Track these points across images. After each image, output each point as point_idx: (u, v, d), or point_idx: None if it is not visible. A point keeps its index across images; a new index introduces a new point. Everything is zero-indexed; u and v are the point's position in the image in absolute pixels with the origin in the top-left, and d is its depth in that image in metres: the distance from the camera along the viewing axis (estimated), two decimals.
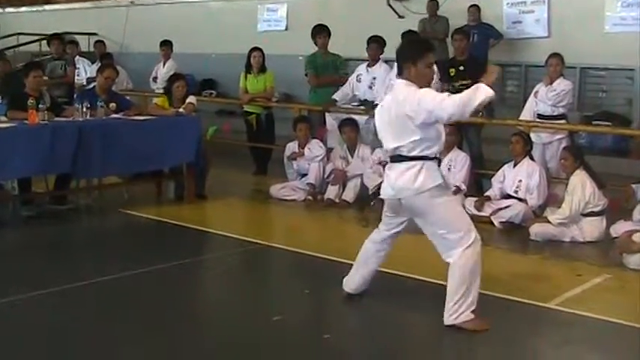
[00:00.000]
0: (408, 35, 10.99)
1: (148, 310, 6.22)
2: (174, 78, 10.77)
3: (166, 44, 14.71)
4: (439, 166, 5.91)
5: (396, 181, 5.80)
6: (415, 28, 12.59)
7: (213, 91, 16.70)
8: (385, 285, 6.65)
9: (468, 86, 10.38)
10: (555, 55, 10.28)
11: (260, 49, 12.25)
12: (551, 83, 10.09)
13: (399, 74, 5.97)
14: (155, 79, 14.64)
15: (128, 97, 11.23)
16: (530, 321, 6.09)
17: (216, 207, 10.09)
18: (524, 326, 5.89)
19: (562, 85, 10.08)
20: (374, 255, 6.37)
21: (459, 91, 9.88)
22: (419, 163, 5.70)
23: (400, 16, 14.61)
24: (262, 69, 12.25)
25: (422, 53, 5.76)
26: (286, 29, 16.85)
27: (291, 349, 5.51)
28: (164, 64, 14.63)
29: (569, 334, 5.86)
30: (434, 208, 5.75)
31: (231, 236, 8.60)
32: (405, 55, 5.83)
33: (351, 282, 6.45)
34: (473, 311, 5.68)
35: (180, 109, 10.23)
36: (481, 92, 5.45)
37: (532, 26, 13.63)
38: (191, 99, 10.44)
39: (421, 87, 5.71)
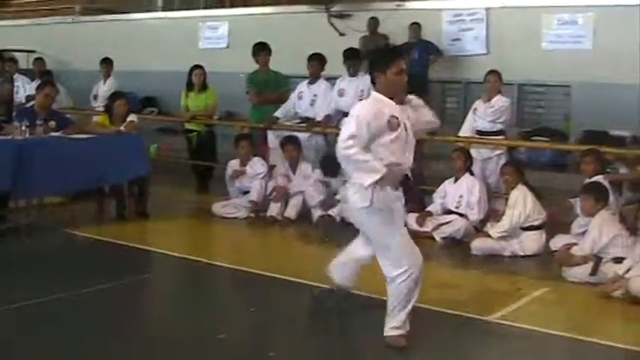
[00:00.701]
0: (348, 52, 11.09)
1: (89, 330, 6.13)
2: (114, 96, 10.70)
3: (107, 62, 14.60)
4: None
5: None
6: (356, 46, 12.65)
7: (154, 109, 16.61)
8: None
9: None
10: (493, 72, 10.45)
11: (201, 67, 12.25)
12: (489, 100, 10.24)
13: (373, 86, 5.86)
14: (96, 97, 14.49)
15: (68, 115, 11.13)
16: (472, 335, 6.15)
17: (159, 225, 10.02)
18: (466, 340, 5.95)
19: (500, 101, 10.23)
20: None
21: None
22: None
23: (341, 34, 14.72)
24: (204, 86, 12.25)
25: (390, 61, 5.69)
26: (227, 47, 16.86)
27: None
28: (105, 82, 14.50)
29: (511, 347, 5.92)
30: (370, 225, 5.79)
31: (173, 255, 8.55)
32: (375, 65, 5.79)
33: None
34: (399, 328, 5.72)
35: (122, 128, 10.17)
36: (369, 175, 5.50)
37: (471, 44, 13.80)
38: (132, 117, 10.39)
39: (393, 97, 5.71)
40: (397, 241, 5.72)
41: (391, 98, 5.70)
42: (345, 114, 10.75)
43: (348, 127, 5.60)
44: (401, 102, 5.85)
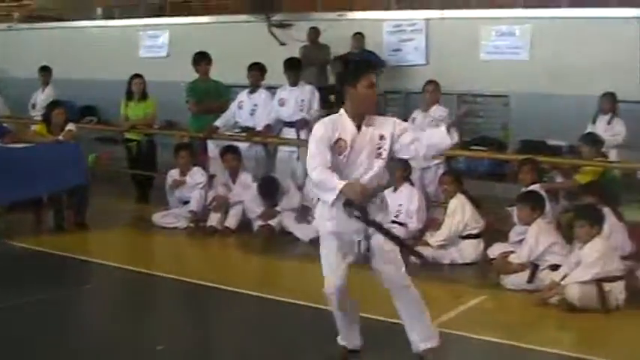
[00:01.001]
0: (289, 62, 11.10)
1: (28, 341, 6.07)
2: (53, 105, 10.61)
3: (45, 70, 14.44)
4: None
5: None
6: (297, 55, 12.68)
7: (93, 118, 16.43)
8: (272, 312, 6.69)
9: None
10: (431, 82, 10.57)
11: (141, 76, 12.17)
12: (428, 109, 10.34)
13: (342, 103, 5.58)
14: (34, 105, 14.29)
15: (5, 124, 10.99)
16: (411, 343, 6.17)
17: (98, 235, 9.93)
18: (404, 348, 5.96)
19: (439, 111, 10.35)
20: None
21: None
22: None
23: (282, 43, 14.74)
24: (143, 96, 12.17)
25: (361, 74, 5.43)
26: (167, 56, 16.78)
27: None
28: (43, 91, 14.34)
29: (450, 355, 5.97)
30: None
31: (112, 265, 8.50)
32: (344, 78, 5.53)
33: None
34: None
35: (60, 137, 10.07)
36: (329, 193, 5.37)
37: (411, 54, 13.92)
38: (71, 126, 10.29)
39: (363, 112, 5.46)
40: (327, 252, 5.72)
41: (362, 114, 5.47)
42: (286, 123, 10.84)
43: (309, 150, 5.51)
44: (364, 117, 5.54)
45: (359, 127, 5.43)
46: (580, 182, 9.19)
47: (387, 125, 5.50)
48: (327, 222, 5.57)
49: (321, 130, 5.46)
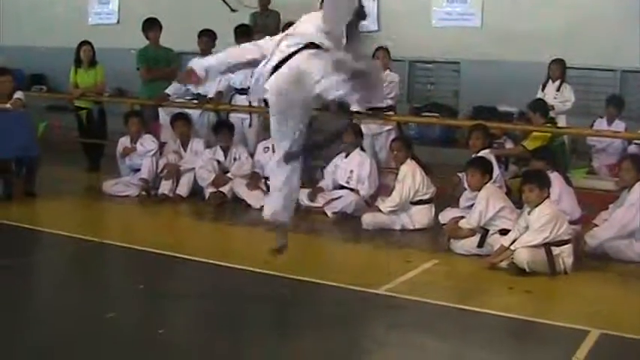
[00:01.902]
0: (239, 29, 11.01)
1: None
2: (0, 73, 10.42)
3: None
4: None
5: None
6: (247, 22, 12.59)
7: (43, 86, 16.17)
8: (219, 280, 6.69)
9: None
10: (381, 49, 10.58)
11: (89, 43, 12.04)
12: None
13: None
14: None
15: None
16: (362, 307, 6.22)
17: (47, 205, 9.83)
18: (356, 312, 6.00)
19: (389, 77, 10.37)
20: None
21: None
22: None
23: (233, 10, 14.58)
24: (92, 63, 12.04)
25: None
26: (118, 22, 16.53)
27: (126, 345, 5.43)
28: None
29: (399, 318, 6.01)
30: None
31: (62, 234, 8.40)
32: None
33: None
34: None
35: (7, 105, 9.93)
36: None
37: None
38: (19, 94, 10.15)
39: None
40: None
41: None
42: (237, 90, 10.79)
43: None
44: None
45: None
46: (528, 148, 9.29)
47: None
48: None
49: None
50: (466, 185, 8.54)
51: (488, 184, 7.98)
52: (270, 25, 13.12)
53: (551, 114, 10.57)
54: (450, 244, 7.99)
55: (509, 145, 10.08)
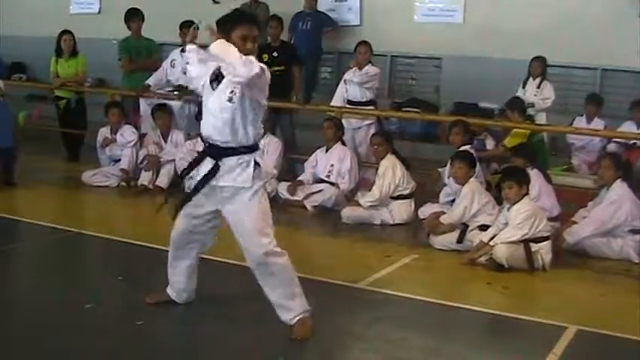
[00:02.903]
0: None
1: None
2: None
3: None
4: None
5: None
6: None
7: (23, 75, 16.11)
8: (203, 270, 6.66)
9: (282, 72, 10.64)
10: (363, 43, 10.60)
11: (70, 32, 12.00)
12: (359, 70, 10.38)
13: None
14: None
15: None
16: (341, 301, 6.22)
17: (26, 194, 9.78)
18: (335, 307, 6.00)
19: (370, 71, 10.40)
20: None
21: (272, 76, 10.00)
22: None
23: (215, 1, 14.53)
24: (73, 53, 12.01)
25: (234, 24, 5.21)
26: (99, 12, 16.46)
27: (104, 336, 5.41)
28: None
29: (378, 313, 6.01)
30: None
31: (41, 224, 8.37)
32: (219, 27, 5.30)
33: None
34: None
35: None
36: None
37: (345, 14, 13.85)
38: None
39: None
40: None
41: None
42: None
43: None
44: None
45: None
46: (508, 146, 9.34)
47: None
48: None
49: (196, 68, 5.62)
50: (446, 180, 8.57)
51: (472, 179, 8.00)
52: (259, 16, 13.08)
53: (531, 111, 10.64)
54: (429, 238, 8.01)
55: (490, 141, 10.10)
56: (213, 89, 5.27)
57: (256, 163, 5.29)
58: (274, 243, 5.34)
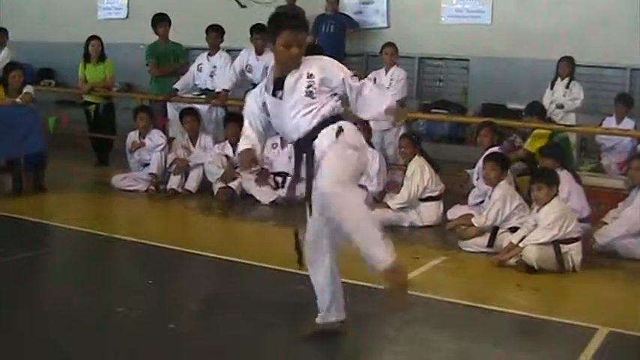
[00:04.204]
0: (257, 29, 10.98)
1: None
2: (9, 67, 10.46)
3: (1, 31, 14.21)
4: None
5: None
6: (257, 17, 12.54)
7: (52, 81, 16.23)
8: (233, 274, 6.69)
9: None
10: (389, 45, 10.63)
11: (98, 38, 12.10)
12: (386, 72, 10.40)
13: None
14: None
15: None
16: (371, 304, 6.21)
17: (57, 199, 9.84)
18: (365, 309, 5.99)
19: (397, 73, 10.42)
20: None
21: None
22: None
23: (242, 5, 14.59)
24: (101, 58, 12.11)
25: (276, 30, 5.08)
26: (127, 17, 16.55)
27: (135, 339, 5.45)
28: None
29: (409, 316, 5.97)
30: None
31: (72, 228, 8.42)
32: (267, 32, 5.22)
33: None
34: None
35: (17, 100, 9.96)
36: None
37: (372, 17, 13.84)
38: (28, 89, 10.18)
39: (282, 69, 5.14)
40: None
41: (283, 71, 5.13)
42: (254, 85, 10.85)
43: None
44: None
45: (284, 80, 5.14)
46: (530, 150, 9.32)
47: (317, 62, 5.16)
48: None
49: (249, 99, 5.47)
50: (475, 182, 8.54)
51: (503, 182, 7.96)
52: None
53: (560, 112, 10.60)
54: (458, 241, 7.99)
55: (518, 142, 10.07)
56: (280, 97, 5.15)
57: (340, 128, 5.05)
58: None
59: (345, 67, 5.23)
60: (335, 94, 5.10)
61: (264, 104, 5.28)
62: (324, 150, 4.95)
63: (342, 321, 5.45)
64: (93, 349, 5.23)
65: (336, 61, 5.23)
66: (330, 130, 5.01)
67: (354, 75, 5.17)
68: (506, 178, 8.12)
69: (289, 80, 5.09)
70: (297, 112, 5.08)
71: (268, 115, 5.27)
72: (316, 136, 5.03)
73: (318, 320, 5.44)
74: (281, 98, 5.14)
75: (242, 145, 5.31)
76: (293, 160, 5.34)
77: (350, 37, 13.47)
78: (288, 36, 5.04)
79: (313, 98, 5.04)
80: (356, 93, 5.11)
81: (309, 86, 5.05)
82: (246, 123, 5.38)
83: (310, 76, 5.06)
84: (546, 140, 9.32)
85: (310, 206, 5.17)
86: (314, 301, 5.47)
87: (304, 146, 5.12)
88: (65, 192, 10.13)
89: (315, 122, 5.05)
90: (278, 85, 5.16)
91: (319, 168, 4.94)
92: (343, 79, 5.09)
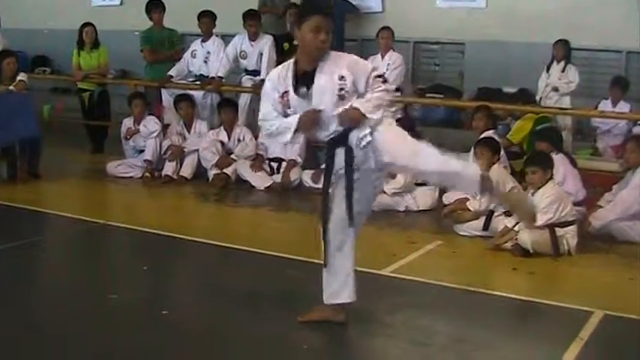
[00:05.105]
0: (249, 15, 10.96)
1: None
2: (3, 55, 10.39)
3: None
4: None
5: None
6: (250, 3, 12.51)
7: (46, 68, 16.16)
8: (228, 260, 6.70)
9: None
10: (385, 29, 10.62)
11: (91, 25, 12.05)
12: (382, 56, 10.37)
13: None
14: None
15: None
16: (366, 288, 6.17)
17: (52, 186, 9.84)
18: (359, 293, 5.95)
19: (393, 57, 10.39)
20: None
21: None
22: None
23: None
24: (95, 45, 12.06)
25: (306, 14, 4.99)
26: (121, 4, 16.45)
27: (129, 325, 5.43)
28: None
29: (403, 300, 5.99)
30: None
31: (66, 215, 8.41)
32: (295, 20, 5.13)
33: None
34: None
35: (11, 87, 9.93)
36: (286, 132, 5.12)
37: (368, 1, 13.80)
38: (22, 76, 10.14)
39: (307, 58, 5.03)
40: None
41: (310, 61, 5.03)
42: (248, 72, 10.86)
43: (261, 106, 5.32)
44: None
45: (312, 75, 5.06)
46: (513, 141, 9.36)
47: (344, 61, 5.08)
48: None
49: (267, 84, 5.28)
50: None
51: (496, 165, 7.94)
52: (279, 6, 13.01)
53: (555, 95, 10.61)
54: (454, 225, 7.99)
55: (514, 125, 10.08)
56: (304, 96, 5.05)
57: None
58: None
59: (368, 65, 5.17)
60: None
61: (283, 94, 5.12)
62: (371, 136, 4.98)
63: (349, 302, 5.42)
64: (86, 335, 5.21)
65: (360, 61, 5.16)
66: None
67: (378, 76, 5.11)
68: (500, 161, 8.11)
69: (319, 82, 4.99)
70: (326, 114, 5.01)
71: (289, 107, 5.13)
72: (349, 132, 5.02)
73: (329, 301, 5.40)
74: (304, 97, 5.04)
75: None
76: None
77: (345, 22, 13.42)
78: (318, 20, 4.94)
79: (344, 100, 4.98)
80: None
81: (341, 89, 4.97)
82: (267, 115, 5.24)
83: (342, 78, 4.97)
84: (528, 132, 9.38)
85: (348, 197, 5.14)
86: (308, 286, 5.49)
87: (339, 142, 5.08)
88: (60, 179, 10.11)
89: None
90: (303, 81, 5.05)
91: (378, 150, 5.01)
92: (367, 81, 5.02)
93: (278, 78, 5.17)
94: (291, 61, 5.16)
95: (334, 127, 5.05)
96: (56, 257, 7.32)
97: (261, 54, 10.86)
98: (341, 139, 5.06)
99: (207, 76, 10.94)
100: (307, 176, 9.57)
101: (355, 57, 5.21)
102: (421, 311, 5.87)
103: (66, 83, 14.31)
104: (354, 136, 5.01)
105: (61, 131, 12.39)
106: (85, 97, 12.21)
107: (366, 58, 10.89)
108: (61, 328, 5.33)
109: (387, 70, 10.52)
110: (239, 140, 10.14)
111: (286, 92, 5.11)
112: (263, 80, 10.24)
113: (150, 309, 5.74)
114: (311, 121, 5.06)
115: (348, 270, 5.34)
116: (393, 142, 5.08)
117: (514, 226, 7.29)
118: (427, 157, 5.13)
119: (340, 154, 5.11)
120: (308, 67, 5.06)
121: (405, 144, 5.15)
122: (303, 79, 5.06)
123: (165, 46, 11.80)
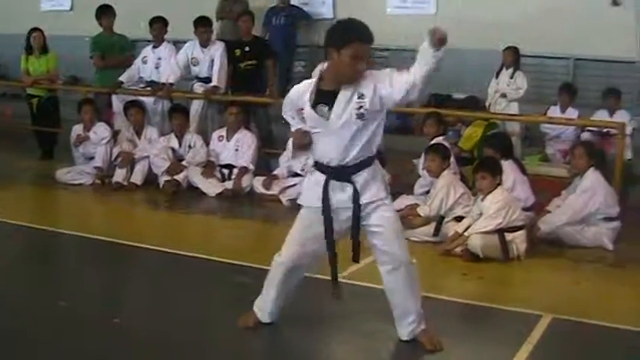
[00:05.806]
0: (200, 21, 10.88)
1: None
2: None
3: None
4: None
5: None
6: (207, 8, 12.47)
7: None
8: (178, 267, 6.67)
9: (254, 66, 10.66)
10: None
11: (40, 30, 11.94)
12: None
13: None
14: None
15: None
16: (317, 295, 6.19)
17: (0, 193, 9.72)
18: (310, 300, 5.97)
19: None
20: None
21: (245, 71, 10.02)
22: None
23: None
24: (44, 50, 11.95)
25: (346, 40, 4.89)
26: (71, 9, 16.39)
27: (80, 333, 5.39)
28: None
29: (354, 306, 6.00)
30: None
31: (15, 223, 8.30)
32: (329, 39, 4.94)
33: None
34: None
35: None
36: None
37: (319, 7, 13.86)
38: None
39: (341, 82, 4.91)
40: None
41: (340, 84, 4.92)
42: (199, 79, 10.81)
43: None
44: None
45: (334, 95, 4.91)
46: (463, 148, 9.44)
47: (368, 80, 5.00)
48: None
49: (291, 92, 5.22)
50: (421, 172, 8.56)
51: (446, 172, 8.01)
52: (236, 11, 12.96)
53: (504, 102, 10.72)
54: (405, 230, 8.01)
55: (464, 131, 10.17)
56: (324, 116, 4.94)
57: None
58: None
59: (388, 69, 5.18)
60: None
61: (301, 109, 5.07)
62: (384, 207, 5.17)
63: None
64: (35, 343, 5.18)
65: (383, 70, 5.13)
66: (380, 178, 5.15)
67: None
68: (450, 168, 8.17)
69: (339, 103, 4.90)
70: (344, 136, 4.94)
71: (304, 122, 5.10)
72: (359, 169, 5.02)
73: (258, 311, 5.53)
74: (322, 116, 4.94)
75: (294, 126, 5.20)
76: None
77: (297, 29, 13.46)
78: (358, 48, 4.89)
79: (364, 120, 4.90)
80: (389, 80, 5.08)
81: (359, 107, 4.88)
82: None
83: (361, 96, 4.90)
84: (478, 138, 9.47)
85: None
86: (257, 293, 5.48)
87: (344, 174, 5.04)
88: (9, 186, 9.99)
89: (363, 155, 5.01)
90: (323, 99, 4.96)
91: (386, 223, 5.25)
92: (390, 80, 5.07)
93: (301, 91, 5.12)
94: (315, 79, 5.06)
95: (354, 154, 4.98)
96: (5, 265, 7.21)
97: (213, 61, 10.82)
98: (347, 171, 5.02)
99: (159, 83, 10.88)
100: (259, 183, 9.56)
101: (385, 72, 5.14)
102: (372, 317, 5.87)
103: (15, 89, 14.16)
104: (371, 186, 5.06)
105: (10, 137, 12.25)
106: (34, 103, 12.09)
107: (315, 65, 11.11)
108: (9, 336, 5.27)
109: None
110: (190, 147, 10.10)
111: (301, 109, 5.06)
112: (215, 87, 10.46)
113: (101, 317, 5.71)
114: (297, 140, 5.13)
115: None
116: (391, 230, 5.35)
117: (464, 231, 7.36)
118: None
119: (340, 189, 5.09)
120: (332, 87, 4.95)
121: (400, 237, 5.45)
122: (326, 97, 4.95)
123: (115, 51, 11.70)
